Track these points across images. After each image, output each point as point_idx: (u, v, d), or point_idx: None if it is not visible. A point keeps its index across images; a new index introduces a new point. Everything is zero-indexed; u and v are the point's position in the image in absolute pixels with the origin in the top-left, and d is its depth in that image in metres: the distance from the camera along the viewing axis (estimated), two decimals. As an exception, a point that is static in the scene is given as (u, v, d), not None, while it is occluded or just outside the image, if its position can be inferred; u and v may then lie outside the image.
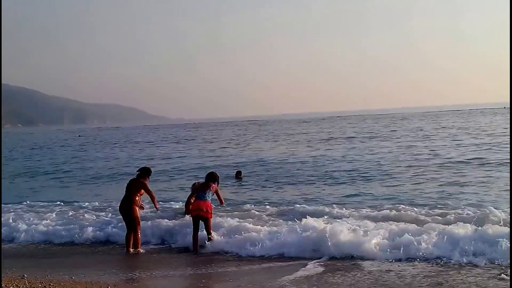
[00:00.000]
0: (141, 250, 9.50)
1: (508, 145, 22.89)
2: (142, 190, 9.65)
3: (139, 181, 9.70)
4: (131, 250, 9.50)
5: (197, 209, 9.37)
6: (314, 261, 8.12)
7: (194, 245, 9.38)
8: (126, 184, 9.88)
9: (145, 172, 9.81)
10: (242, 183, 17.38)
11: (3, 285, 7.02)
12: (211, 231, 9.46)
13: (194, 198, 9.86)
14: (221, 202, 10.15)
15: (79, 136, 76.76)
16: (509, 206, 9.64)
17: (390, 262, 7.89)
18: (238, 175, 18.49)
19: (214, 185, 9.75)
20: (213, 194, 9.71)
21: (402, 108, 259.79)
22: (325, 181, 16.71)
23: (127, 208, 9.57)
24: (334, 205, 11.48)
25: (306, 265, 7.94)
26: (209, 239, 9.37)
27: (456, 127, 42.92)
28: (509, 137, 28.23)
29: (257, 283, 7.13)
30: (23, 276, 7.57)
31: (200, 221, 9.41)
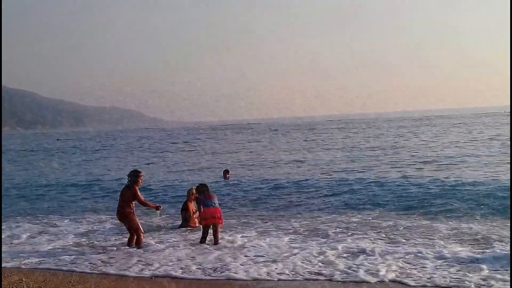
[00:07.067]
0: (141, 250, 9.37)
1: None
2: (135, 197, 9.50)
3: (132, 189, 9.46)
4: (133, 246, 9.54)
5: (212, 217, 9.48)
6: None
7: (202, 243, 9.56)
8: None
9: (135, 176, 9.53)
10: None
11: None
12: (219, 237, 9.57)
13: (197, 206, 9.99)
14: None
15: (58, 139, 73.09)
16: (508, 205, 9.68)
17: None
18: (226, 174, 18.57)
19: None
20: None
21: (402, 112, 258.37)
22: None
23: (123, 217, 9.54)
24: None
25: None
26: (216, 243, 9.46)
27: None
28: (509, 139, 28.27)
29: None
30: (21, 280, 7.49)
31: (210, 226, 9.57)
